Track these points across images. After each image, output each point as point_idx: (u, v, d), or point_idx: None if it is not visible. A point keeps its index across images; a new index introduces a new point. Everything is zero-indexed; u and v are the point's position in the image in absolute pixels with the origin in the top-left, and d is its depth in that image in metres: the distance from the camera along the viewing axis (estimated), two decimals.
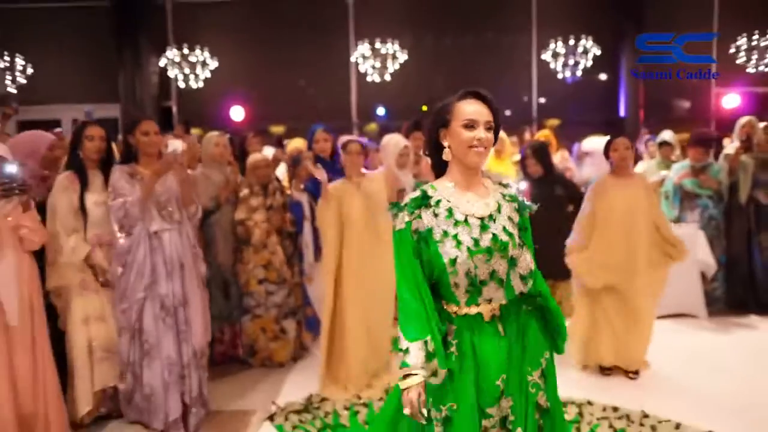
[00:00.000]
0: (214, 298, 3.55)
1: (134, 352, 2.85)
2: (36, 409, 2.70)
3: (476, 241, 1.56)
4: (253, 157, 3.92)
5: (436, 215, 1.59)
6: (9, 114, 4.03)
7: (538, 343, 1.66)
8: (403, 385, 1.53)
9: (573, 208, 4.28)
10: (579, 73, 8.48)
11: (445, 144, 1.65)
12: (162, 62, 8.66)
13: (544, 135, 5.97)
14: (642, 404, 3.09)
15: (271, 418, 3.08)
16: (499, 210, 1.64)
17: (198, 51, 8.51)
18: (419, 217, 1.60)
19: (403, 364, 1.54)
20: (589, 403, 3.17)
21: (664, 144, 5.77)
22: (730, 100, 8.78)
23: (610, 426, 2.91)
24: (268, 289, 3.77)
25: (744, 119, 5.39)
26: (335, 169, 4.02)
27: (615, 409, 3.08)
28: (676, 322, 4.74)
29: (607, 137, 5.36)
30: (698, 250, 4.88)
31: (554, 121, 8.86)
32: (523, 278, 1.61)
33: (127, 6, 8.69)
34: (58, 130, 4.30)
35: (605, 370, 3.63)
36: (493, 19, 9.09)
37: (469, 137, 1.59)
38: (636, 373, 3.58)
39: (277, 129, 8.65)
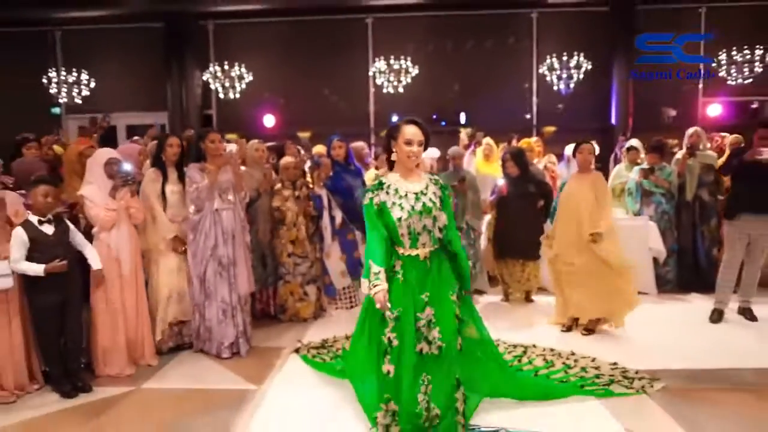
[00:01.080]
0: (255, 268, 4.70)
1: (200, 295, 4.04)
2: (137, 335, 3.89)
3: (413, 207, 2.67)
4: (284, 160, 5.07)
5: (388, 193, 2.70)
6: (103, 126, 5.20)
7: (450, 275, 2.75)
8: (373, 291, 2.64)
9: (543, 202, 5.33)
10: (572, 85, 9.43)
11: (394, 150, 2.75)
12: (205, 77, 9.90)
13: (526, 143, 6.91)
14: (578, 349, 4.02)
15: (296, 351, 4.22)
16: (427, 188, 2.74)
17: (236, 67, 9.71)
18: (377, 195, 2.71)
19: (376, 279, 2.64)
20: (534, 345, 4.19)
21: (631, 149, 6.71)
22: (714, 108, 9.62)
23: (544, 359, 3.92)
24: (296, 261, 4.91)
25: (691, 129, 6.25)
26: (347, 169, 5.20)
27: (552, 349, 4.10)
28: None
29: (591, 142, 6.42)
30: (650, 239, 5.85)
31: (550, 128, 9.84)
32: (440, 230, 2.71)
33: (175, 28, 9.96)
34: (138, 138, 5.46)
35: (567, 328, 4.50)
36: (496, 37, 10.07)
37: (407, 150, 2.68)
38: (589, 330, 4.38)
39: (304, 134, 9.80)
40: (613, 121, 9.75)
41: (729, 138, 6.10)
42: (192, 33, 10.11)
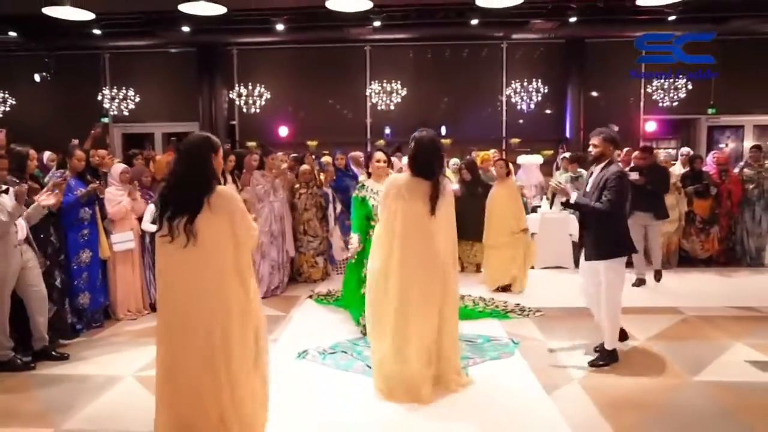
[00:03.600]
0: None
1: (258, 256, 6.15)
2: None
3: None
4: (302, 168, 7.16)
5: (367, 191, 4.76)
6: (95, 136, 6.68)
7: None
8: (352, 245, 4.68)
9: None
10: (532, 105, 11.46)
11: (371, 166, 4.82)
12: (231, 95, 11.93)
13: (485, 154, 8.85)
14: (499, 298, 6.14)
15: (310, 297, 6.30)
16: None
17: (257, 87, 11.74)
18: (360, 192, 4.76)
19: (352, 239, 4.70)
20: (469, 295, 6.24)
21: (564, 159, 8.77)
22: (651, 125, 11.60)
23: (473, 302, 5.98)
24: (309, 239, 6.99)
25: None
26: (346, 174, 7.28)
27: (481, 297, 6.17)
28: (555, 270, 7.76)
29: (538, 155, 8.60)
30: (569, 227, 7.90)
31: (516, 140, 11.85)
32: None
33: (205, 52, 11.97)
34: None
35: (497, 290, 6.53)
36: (473, 66, 12.08)
37: (377, 165, 4.77)
38: (507, 288, 6.52)
39: (312, 143, 11.82)
40: (567, 134, 11.74)
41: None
42: (220, 57, 12.13)
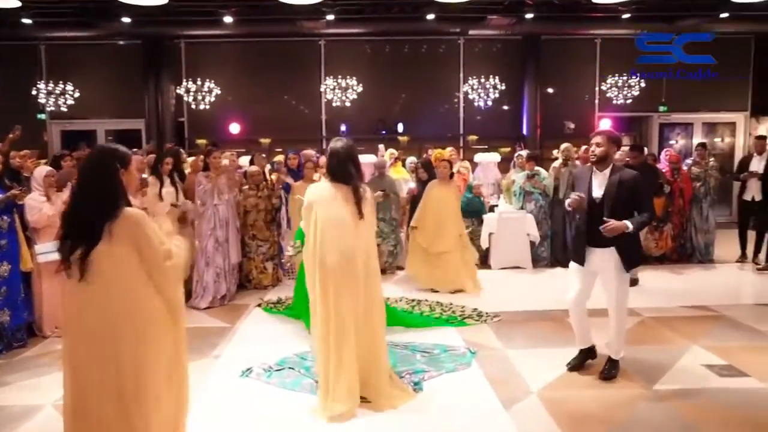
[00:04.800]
0: None
1: (202, 263, 5.76)
2: None
3: None
4: (250, 169, 6.79)
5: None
6: (13, 139, 5.59)
7: None
8: (296, 250, 4.42)
9: None
10: (489, 102, 11.36)
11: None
12: (179, 90, 11.37)
13: (439, 153, 8.67)
14: (457, 301, 5.97)
15: (258, 305, 5.97)
16: None
17: (206, 82, 11.22)
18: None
19: (297, 249, 4.43)
20: (426, 300, 6.05)
21: (519, 157, 8.67)
22: (605, 122, 11.70)
23: (430, 307, 5.77)
24: (257, 243, 6.64)
25: (564, 145, 8.28)
26: (298, 175, 6.94)
27: (438, 302, 5.96)
28: (513, 271, 7.65)
29: (495, 153, 8.49)
30: (527, 227, 7.80)
31: (473, 137, 11.73)
32: None
33: (151, 44, 11.36)
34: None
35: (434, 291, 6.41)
36: (430, 62, 11.85)
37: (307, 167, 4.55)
38: (459, 290, 6.40)
39: (265, 140, 11.41)
40: (524, 131, 11.70)
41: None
42: (167, 51, 11.53)
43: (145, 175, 5.88)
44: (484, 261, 7.90)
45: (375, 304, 3.54)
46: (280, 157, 7.99)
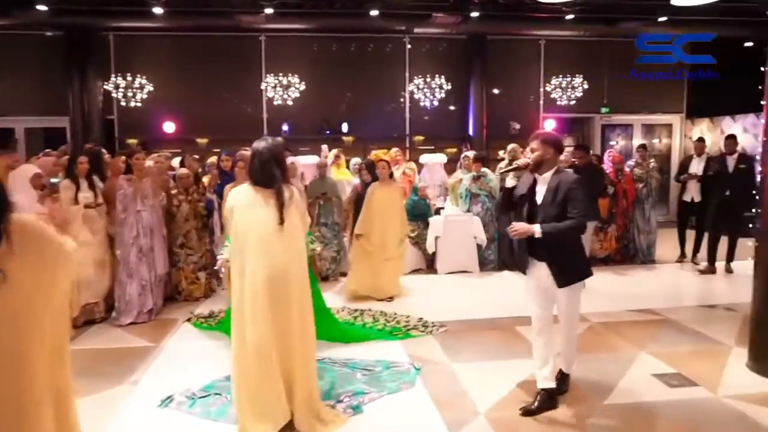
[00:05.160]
0: None
1: (123, 274, 5.23)
2: None
3: None
4: (179, 171, 6.29)
5: None
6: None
7: None
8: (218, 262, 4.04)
9: None
10: (436, 102, 11.19)
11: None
12: (107, 86, 10.61)
13: (375, 155, 8.35)
14: (402, 310, 5.70)
15: (188, 320, 5.49)
16: None
17: (137, 77, 10.53)
18: None
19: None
20: (369, 309, 5.74)
21: (466, 158, 8.50)
22: (549, 123, 11.77)
23: (373, 318, 5.47)
24: (187, 252, 6.15)
25: (511, 145, 8.21)
26: (232, 177, 6.48)
27: (382, 311, 5.67)
28: (460, 275, 7.45)
29: (441, 154, 8.21)
30: (473, 230, 7.63)
31: (420, 137, 11.53)
32: None
33: (76, 37, 10.55)
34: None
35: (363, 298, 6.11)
36: (376, 59, 11.55)
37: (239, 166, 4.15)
38: (391, 298, 6.11)
39: (202, 140, 10.81)
40: (471, 132, 11.59)
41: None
42: (93, 44, 10.72)
43: (56, 179, 5.31)
44: (430, 265, 7.70)
45: (300, 321, 3.19)
46: (213, 159, 7.49)
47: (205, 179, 6.74)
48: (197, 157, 7.38)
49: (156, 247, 5.43)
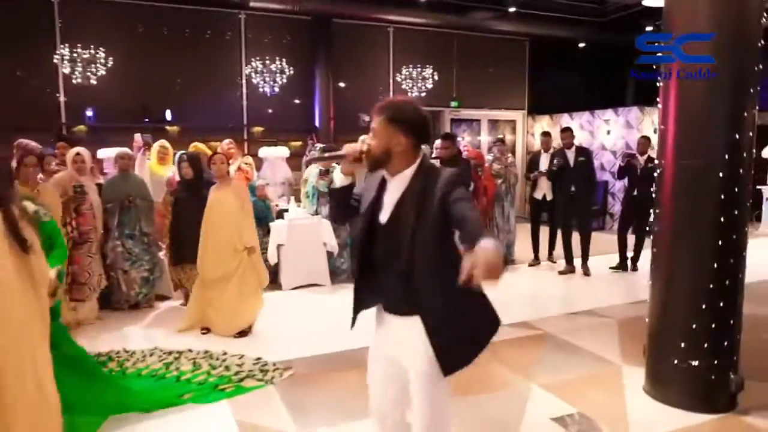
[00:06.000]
0: None
1: None
2: None
3: None
4: None
5: None
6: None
7: None
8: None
9: None
10: (277, 89, 9.88)
11: None
12: None
13: (195, 146, 6.84)
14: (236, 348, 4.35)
15: None
16: None
17: None
18: None
19: None
20: (189, 350, 4.32)
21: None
22: None
23: (193, 363, 4.06)
24: None
25: (362, 137, 7.22)
26: None
27: (206, 351, 4.29)
28: (309, 290, 6.29)
29: (284, 147, 6.72)
30: (324, 235, 6.50)
31: (259, 128, 10.15)
32: None
33: None
34: None
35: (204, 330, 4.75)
36: (207, 35, 9.87)
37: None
38: (242, 333, 4.69)
39: None
40: (317, 123, 10.46)
41: None
42: None
43: None
44: (273, 280, 6.39)
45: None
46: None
47: None
48: None
49: None
